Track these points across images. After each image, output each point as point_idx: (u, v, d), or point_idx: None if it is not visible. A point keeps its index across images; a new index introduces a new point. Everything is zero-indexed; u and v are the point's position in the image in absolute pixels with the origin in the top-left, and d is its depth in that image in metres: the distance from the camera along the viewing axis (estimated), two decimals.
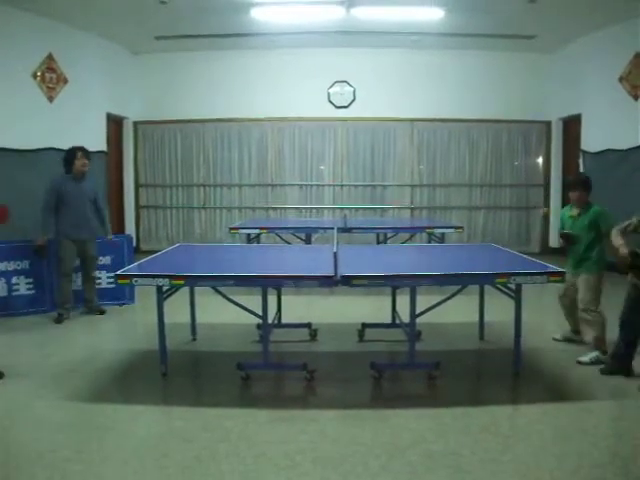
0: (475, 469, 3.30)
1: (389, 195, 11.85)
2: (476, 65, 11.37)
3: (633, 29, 8.79)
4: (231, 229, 8.53)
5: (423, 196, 11.84)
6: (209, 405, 4.25)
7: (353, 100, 11.62)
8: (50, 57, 9.07)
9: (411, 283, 4.55)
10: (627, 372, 4.69)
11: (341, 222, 8.58)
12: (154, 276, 4.47)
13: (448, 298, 5.03)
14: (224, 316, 6.20)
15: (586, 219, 5.27)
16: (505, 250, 6.09)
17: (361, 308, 7.02)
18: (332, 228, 7.44)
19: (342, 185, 11.81)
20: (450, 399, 4.38)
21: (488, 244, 7.56)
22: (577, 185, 5.40)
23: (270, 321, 5.06)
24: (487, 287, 5.55)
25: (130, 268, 5.13)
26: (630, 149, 8.93)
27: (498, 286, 4.81)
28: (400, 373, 4.97)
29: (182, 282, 4.52)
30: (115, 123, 11.35)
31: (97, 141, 10.20)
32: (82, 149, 6.82)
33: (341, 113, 11.64)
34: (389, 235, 9.16)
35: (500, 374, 4.89)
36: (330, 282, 4.29)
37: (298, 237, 8.96)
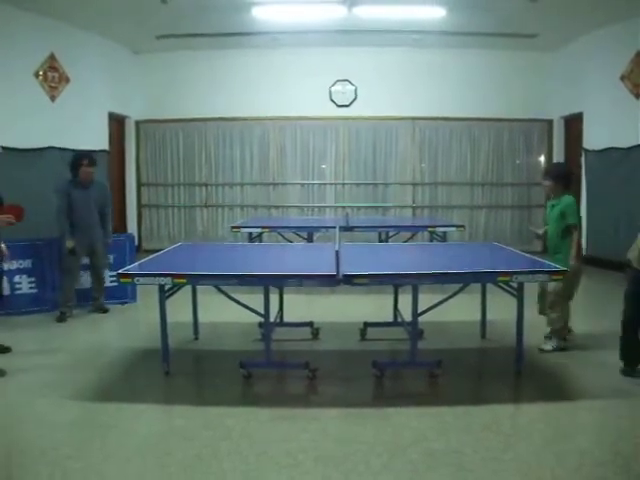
0: (477, 467, 3.30)
1: (391, 194, 11.85)
2: (478, 64, 11.36)
3: (635, 28, 8.79)
4: (233, 228, 8.54)
5: (425, 195, 11.83)
6: (211, 403, 4.26)
7: (355, 99, 11.62)
8: (52, 56, 9.09)
9: (413, 282, 4.55)
10: None
11: (343, 221, 8.59)
12: (156, 275, 4.47)
13: (450, 297, 5.03)
14: (226, 315, 6.20)
15: (558, 209, 5.36)
16: (507, 249, 6.08)
17: (363, 307, 7.02)
18: (334, 227, 7.45)
19: (344, 184, 11.81)
20: (452, 397, 4.38)
21: (490, 243, 7.55)
22: (548, 175, 5.53)
23: (272, 320, 5.07)
24: (489, 285, 5.55)
25: (132, 267, 5.13)
26: (632, 147, 8.92)
27: (500, 284, 4.81)
28: (402, 372, 4.97)
29: (184, 281, 4.53)
30: (117, 122, 11.36)
31: (99, 140, 10.23)
32: (88, 157, 6.76)
33: (343, 112, 11.64)
34: (391, 234, 9.15)
35: (502, 373, 4.89)
36: (332, 281, 4.29)
37: (300, 236, 8.95)
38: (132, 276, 4.58)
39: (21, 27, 8.39)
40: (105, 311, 6.97)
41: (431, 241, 9.02)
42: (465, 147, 11.71)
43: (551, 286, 5.29)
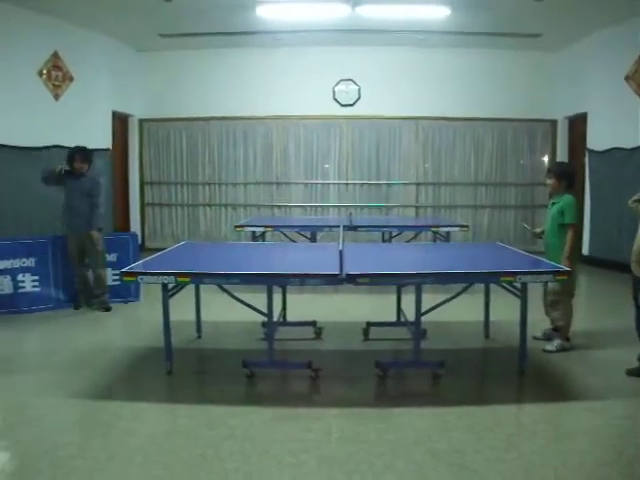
0: (480, 467, 3.30)
1: (394, 193, 11.84)
2: (481, 63, 11.36)
3: (639, 28, 8.76)
4: (236, 227, 8.54)
5: (428, 194, 11.83)
6: (214, 403, 4.26)
7: (358, 98, 11.61)
8: (56, 55, 9.10)
9: (416, 281, 4.54)
10: None
11: (346, 220, 8.58)
12: (159, 274, 4.46)
13: (453, 297, 5.03)
14: (229, 314, 6.21)
15: (556, 207, 5.37)
16: (510, 249, 6.08)
17: (366, 306, 7.02)
18: (337, 226, 7.44)
19: (347, 183, 11.81)
20: (455, 398, 4.38)
21: (493, 243, 7.54)
22: (551, 172, 5.55)
23: (275, 319, 5.07)
24: (492, 285, 5.54)
25: (135, 266, 5.13)
26: (636, 148, 8.91)
27: (504, 285, 4.80)
28: (405, 372, 4.97)
29: (187, 280, 4.53)
30: (120, 121, 11.37)
31: (102, 139, 10.25)
32: (81, 151, 6.91)
33: (346, 111, 11.64)
34: (394, 233, 9.14)
35: (505, 373, 4.88)
36: (335, 280, 4.28)
37: (303, 235, 8.96)
38: (136, 275, 4.58)
39: (25, 26, 8.41)
40: (108, 309, 6.98)
41: (434, 241, 9.02)
42: (469, 147, 11.70)
43: (550, 286, 5.31)
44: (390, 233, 9.08)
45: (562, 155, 11.52)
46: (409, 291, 5.13)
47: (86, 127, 9.57)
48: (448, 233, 8.52)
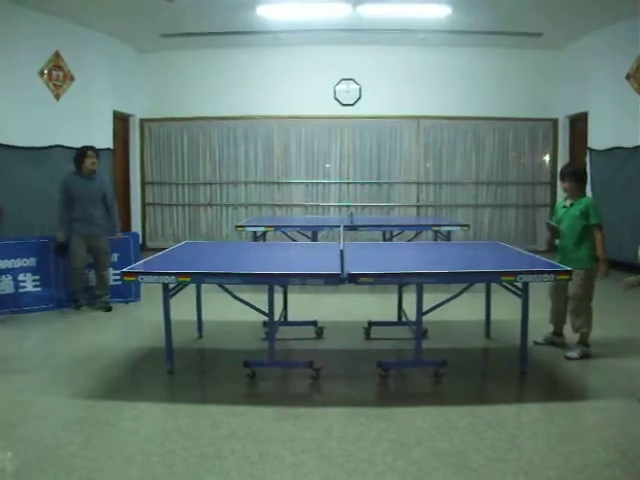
0: (481, 467, 3.29)
1: (395, 193, 11.83)
2: (482, 62, 11.35)
3: None
4: (237, 227, 8.54)
5: (429, 194, 11.82)
6: (215, 402, 4.26)
7: (359, 98, 11.61)
8: (57, 55, 9.10)
9: (417, 281, 4.53)
10: None
11: (347, 220, 8.58)
12: (160, 273, 4.46)
13: (454, 296, 5.02)
14: (230, 314, 6.20)
15: (577, 209, 5.26)
16: (511, 248, 6.07)
17: (367, 306, 7.02)
18: (338, 226, 7.44)
19: (348, 183, 11.80)
20: (456, 397, 4.37)
21: (494, 242, 7.54)
22: (567, 175, 5.41)
23: (276, 319, 5.07)
24: (494, 285, 5.53)
25: (136, 265, 5.14)
26: (637, 147, 8.89)
27: (505, 284, 4.80)
28: (406, 371, 4.96)
29: (188, 279, 4.53)
30: (121, 121, 11.37)
31: (104, 138, 10.24)
32: (91, 148, 6.93)
33: (347, 111, 11.63)
34: (395, 233, 9.15)
35: (506, 372, 4.87)
36: (336, 280, 4.27)
37: (304, 235, 8.96)
38: (136, 274, 4.58)
39: (26, 25, 8.41)
40: (109, 309, 6.98)
41: (435, 240, 9.01)
42: (470, 146, 11.69)
43: (571, 292, 5.20)
44: (391, 232, 9.08)
45: (563, 154, 11.52)
46: (410, 290, 5.12)
47: (87, 127, 9.58)
48: (449, 232, 8.52)
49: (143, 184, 12.00)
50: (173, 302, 4.71)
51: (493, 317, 5.83)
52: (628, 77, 9.13)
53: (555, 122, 11.60)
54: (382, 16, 9.16)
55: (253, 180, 11.87)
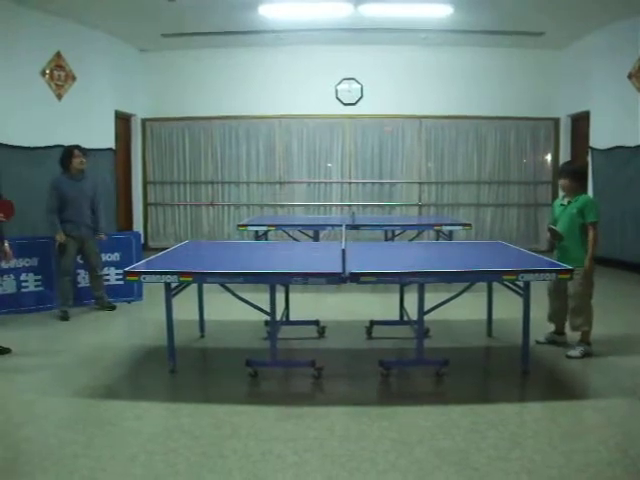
0: (483, 466, 3.29)
1: (397, 192, 11.83)
2: (484, 62, 11.34)
3: None
4: (239, 226, 8.54)
5: (431, 193, 11.81)
6: (217, 402, 4.27)
7: (361, 97, 11.60)
8: (58, 55, 9.11)
9: (419, 280, 4.53)
10: None
11: (349, 219, 8.56)
12: (162, 273, 4.46)
13: (456, 295, 5.02)
14: (232, 313, 6.20)
15: (575, 207, 5.23)
16: (513, 247, 6.07)
17: (369, 305, 7.02)
18: (340, 225, 7.44)
19: (350, 182, 11.80)
20: (458, 396, 4.37)
21: (496, 241, 7.53)
22: (564, 173, 5.40)
23: (278, 318, 5.07)
24: (495, 284, 5.53)
25: (138, 265, 5.14)
26: (639, 146, 8.88)
27: (506, 283, 4.80)
28: (408, 370, 4.96)
29: (190, 279, 4.54)
30: (123, 120, 11.38)
31: (105, 138, 10.25)
32: (78, 147, 6.80)
33: (349, 110, 11.63)
34: (397, 232, 9.15)
35: (508, 371, 4.87)
36: (338, 279, 4.27)
37: (306, 234, 8.95)
38: (138, 274, 4.58)
39: (28, 25, 8.40)
40: (112, 308, 6.99)
41: (437, 239, 9.00)
42: (472, 145, 11.68)
43: (571, 291, 5.19)
44: (393, 232, 9.08)
45: (565, 153, 11.51)
46: (412, 290, 5.12)
47: (89, 127, 9.58)
48: (451, 232, 8.50)
49: (145, 184, 12.00)
50: (175, 301, 4.71)
51: (495, 316, 5.83)
52: (630, 76, 9.12)
53: (557, 121, 11.59)
54: (384, 15, 9.16)
55: (255, 180, 11.87)
